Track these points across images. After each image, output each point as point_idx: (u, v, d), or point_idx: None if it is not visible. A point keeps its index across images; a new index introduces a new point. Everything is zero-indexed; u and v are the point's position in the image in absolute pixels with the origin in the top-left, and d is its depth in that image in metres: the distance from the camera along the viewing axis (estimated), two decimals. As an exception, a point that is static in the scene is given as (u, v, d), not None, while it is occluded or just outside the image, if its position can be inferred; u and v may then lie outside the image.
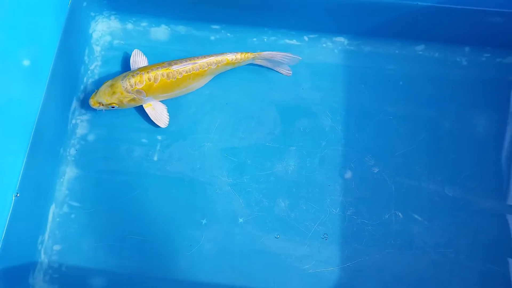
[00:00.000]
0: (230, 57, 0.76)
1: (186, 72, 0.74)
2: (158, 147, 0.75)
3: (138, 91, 0.73)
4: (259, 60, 0.78)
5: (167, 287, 0.69)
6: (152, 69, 0.73)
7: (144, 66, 0.76)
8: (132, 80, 0.72)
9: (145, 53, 0.78)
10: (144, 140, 0.76)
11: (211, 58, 0.75)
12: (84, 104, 0.77)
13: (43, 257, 0.69)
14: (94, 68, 0.81)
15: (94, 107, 0.74)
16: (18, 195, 0.65)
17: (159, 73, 0.73)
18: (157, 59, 0.78)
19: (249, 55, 0.76)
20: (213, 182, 0.74)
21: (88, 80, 0.80)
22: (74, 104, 0.77)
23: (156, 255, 0.71)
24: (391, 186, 0.73)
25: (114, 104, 0.73)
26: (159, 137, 0.76)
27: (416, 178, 0.73)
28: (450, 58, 0.80)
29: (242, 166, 0.75)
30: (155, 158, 0.75)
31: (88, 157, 0.75)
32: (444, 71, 0.80)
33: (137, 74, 0.73)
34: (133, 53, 0.78)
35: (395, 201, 0.72)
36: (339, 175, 0.74)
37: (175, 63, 0.74)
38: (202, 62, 0.75)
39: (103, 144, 0.76)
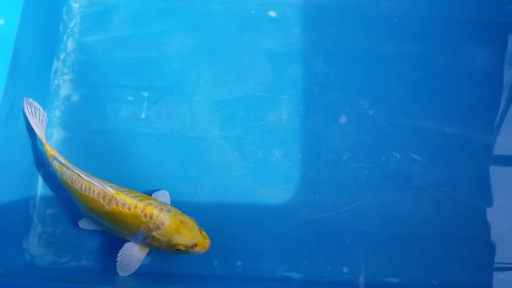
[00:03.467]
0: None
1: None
2: (145, 104, 0.73)
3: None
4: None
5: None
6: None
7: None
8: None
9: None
10: (130, 98, 0.73)
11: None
12: (66, 63, 0.74)
13: (36, 222, 0.68)
14: (73, 26, 0.77)
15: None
16: None
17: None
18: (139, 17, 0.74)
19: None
20: (205, 136, 0.72)
21: (68, 39, 0.76)
22: (55, 64, 0.74)
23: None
24: (388, 128, 0.71)
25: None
26: (145, 94, 0.73)
27: (414, 117, 0.71)
28: (446, -9, 0.76)
29: (234, 118, 0.73)
30: (143, 116, 0.72)
31: (74, 118, 0.73)
32: (438, 6, 0.76)
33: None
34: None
35: (392, 143, 0.70)
36: (333, 120, 0.72)
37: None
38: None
39: (88, 104, 0.73)
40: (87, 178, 0.60)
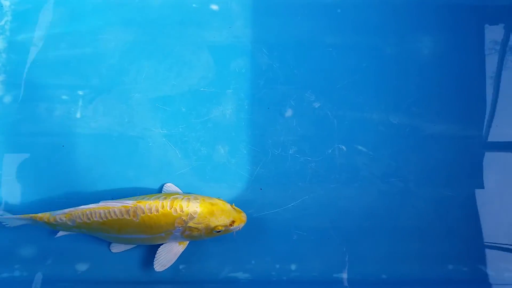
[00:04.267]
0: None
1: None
2: (80, 103, 0.69)
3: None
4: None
5: (106, 244, 0.65)
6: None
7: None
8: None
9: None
10: (64, 97, 0.69)
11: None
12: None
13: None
14: (4, 24, 0.73)
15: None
16: None
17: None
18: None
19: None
20: (145, 135, 0.69)
21: (-4, 37, 0.72)
22: (-18, 64, 0.70)
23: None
24: (333, 120, 0.69)
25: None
26: (80, 92, 0.69)
27: (359, 109, 0.70)
28: (388, -20, 0.75)
29: (176, 115, 0.70)
30: (78, 115, 0.68)
31: (6, 121, 0.68)
32: (383, -5, 0.75)
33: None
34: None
35: (338, 135, 0.69)
36: (279, 114, 0.70)
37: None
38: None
39: (21, 105, 0.69)
40: (102, 204, 0.59)
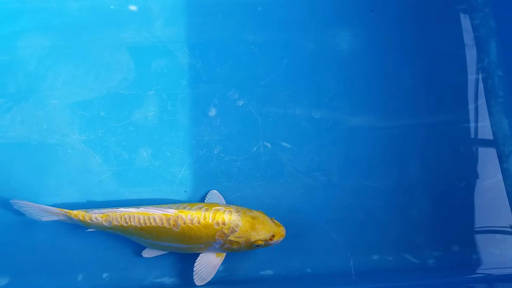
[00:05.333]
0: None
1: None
2: (-5, 113, 0.66)
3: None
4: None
5: (25, 259, 0.63)
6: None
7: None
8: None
9: None
10: (-23, 107, 0.66)
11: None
12: None
13: None
14: None
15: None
16: None
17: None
18: None
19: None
20: (64, 142, 0.66)
21: None
22: None
23: (6, 231, 0.63)
24: (257, 117, 0.69)
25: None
26: (-6, 101, 0.67)
27: (282, 105, 0.70)
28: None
29: (95, 119, 0.68)
30: (-7, 125, 0.66)
31: None
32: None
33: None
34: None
35: (262, 132, 0.69)
36: (203, 114, 0.69)
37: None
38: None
39: None
40: (142, 210, 0.58)
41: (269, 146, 0.68)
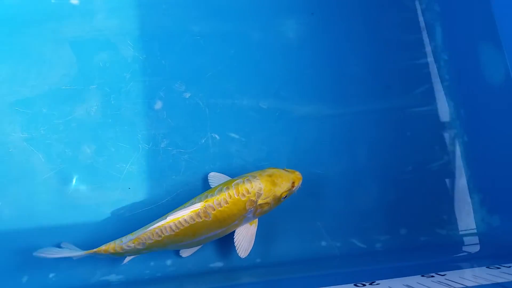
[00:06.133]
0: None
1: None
2: None
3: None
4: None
5: None
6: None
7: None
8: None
9: None
10: None
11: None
12: None
13: None
14: None
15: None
16: None
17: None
18: None
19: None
20: (5, 140, 0.64)
21: None
22: None
23: None
24: (205, 109, 0.68)
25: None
26: None
27: (229, 96, 0.69)
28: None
29: (37, 117, 0.66)
30: None
31: None
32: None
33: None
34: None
35: (210, 124, 0.68)
36: (148, 107, 0.68)
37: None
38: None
39: None
40: (170, 217, 0.57)
41: (218, 137, 0.67)
